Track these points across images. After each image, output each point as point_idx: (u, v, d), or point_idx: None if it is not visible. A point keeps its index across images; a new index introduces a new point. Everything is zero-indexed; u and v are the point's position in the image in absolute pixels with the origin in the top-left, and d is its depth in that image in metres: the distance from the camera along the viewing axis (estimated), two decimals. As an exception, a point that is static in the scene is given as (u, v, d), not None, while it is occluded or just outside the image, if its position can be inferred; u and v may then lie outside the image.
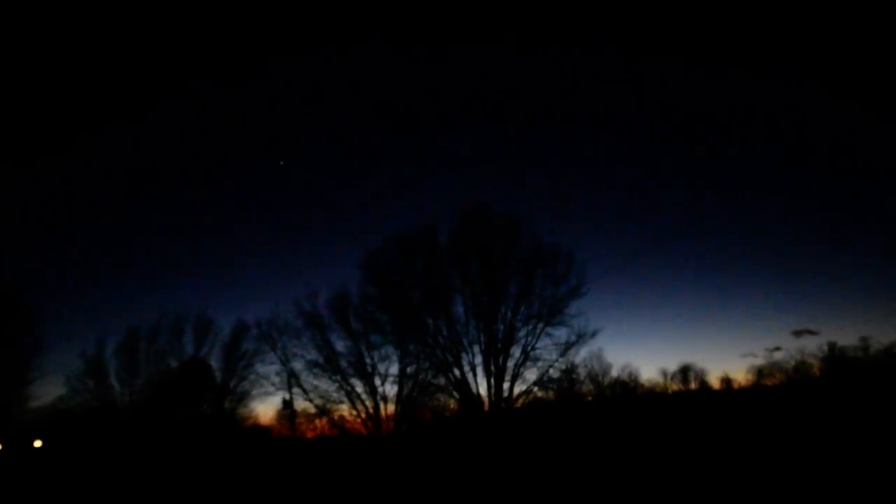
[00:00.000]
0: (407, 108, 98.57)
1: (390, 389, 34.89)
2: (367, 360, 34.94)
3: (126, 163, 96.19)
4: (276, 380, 36.60)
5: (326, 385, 35.20)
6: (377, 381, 34.84)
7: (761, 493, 17.29)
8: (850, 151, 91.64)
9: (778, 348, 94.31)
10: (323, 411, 35.59)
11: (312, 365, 35.20)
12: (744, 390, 67.72)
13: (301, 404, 36.16)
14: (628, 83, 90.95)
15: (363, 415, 35.01)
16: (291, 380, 35.66)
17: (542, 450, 31.07)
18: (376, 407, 34.87)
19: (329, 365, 35.12)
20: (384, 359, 34.98)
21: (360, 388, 35.01)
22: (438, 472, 26.37)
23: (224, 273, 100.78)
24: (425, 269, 35.23)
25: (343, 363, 35.16)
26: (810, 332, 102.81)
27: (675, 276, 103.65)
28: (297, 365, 35.67)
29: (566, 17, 77.67)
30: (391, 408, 34.93)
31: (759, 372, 68.99)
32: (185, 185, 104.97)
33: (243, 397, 40.75)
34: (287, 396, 35.80)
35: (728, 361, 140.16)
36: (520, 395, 34.17)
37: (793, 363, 65.35)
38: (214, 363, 40.64)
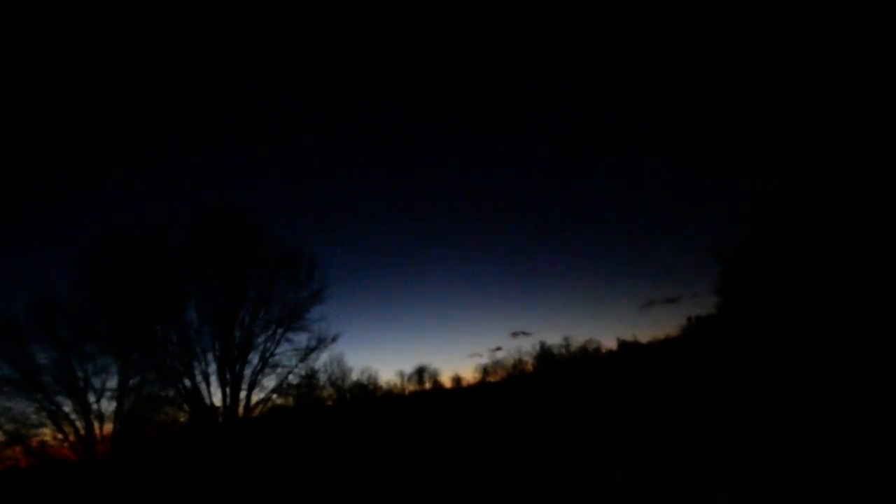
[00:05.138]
0: (140, 105, 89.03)
1: (108, 406, 31.08)
2: (79, 374, 30.69)
3: None
4: (-49, 404, 30.15)
5: (23, 406, 30.01)
6: (91, 398, 30.79)
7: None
8: (548, 172, 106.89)
9: (499, 348, 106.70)
10: (17, 438, 30.20)
11: (3, 383, 29.80)
12: (471, 387, 74.37)
13: (-15, 432, 30.29)
14: (364, 85, 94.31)
15: (72, 437, 30.56)
16: (-29, 403, 29.73)
17: (280, 456, 30.83)
18: (89, 427, 30.74)
19: (27, 381, 30.01)
20: (101, 371, 31.04)
21: (68, 407, 30.57)
22: (162, 494, 24.43)
23: None
24: (154, 271, 32.18)
25: (47, 378, 30.33)
26: (525, 333, 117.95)
27: (411, 281, 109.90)
28: (-18, 384, 29.87)
29: (292, 22, 77.55)
30: (109, 427, 31.19)
31: (485, 370, 76.50)
32: None
33: None
34: (-35, 424, 29.74)
35: (458, 361, 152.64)
36: (258, 403, 33.05)
37: (512, 361, 73.59)
38: None
